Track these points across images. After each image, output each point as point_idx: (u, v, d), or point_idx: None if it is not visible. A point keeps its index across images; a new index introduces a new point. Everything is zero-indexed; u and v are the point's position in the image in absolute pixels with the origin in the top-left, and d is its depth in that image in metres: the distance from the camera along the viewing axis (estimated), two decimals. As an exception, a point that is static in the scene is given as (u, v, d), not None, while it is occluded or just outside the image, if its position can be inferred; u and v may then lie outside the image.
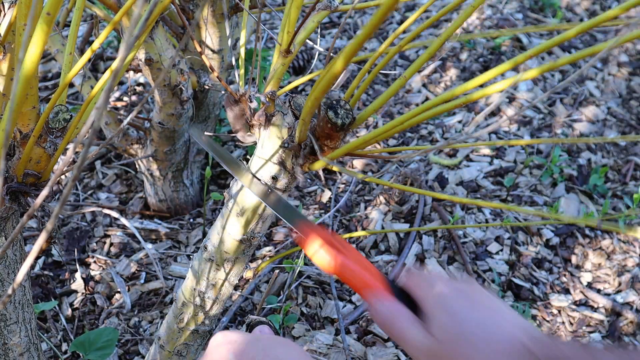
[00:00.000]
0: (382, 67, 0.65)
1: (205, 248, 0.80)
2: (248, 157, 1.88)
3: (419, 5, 2.62)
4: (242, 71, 0.76)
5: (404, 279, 0.64)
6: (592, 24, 0.50)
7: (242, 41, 0.80)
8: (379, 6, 0.51)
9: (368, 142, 0.61)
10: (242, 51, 0.79)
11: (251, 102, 0.67)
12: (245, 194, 0.72)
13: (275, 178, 0.69)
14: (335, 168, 0.66)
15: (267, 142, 0.68)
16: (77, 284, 1.55)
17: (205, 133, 0.81)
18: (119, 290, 1.54)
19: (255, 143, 0.72)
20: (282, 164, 0.67)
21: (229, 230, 0.75)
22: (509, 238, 1.70)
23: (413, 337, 0.59)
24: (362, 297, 0.64)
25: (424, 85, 2.27)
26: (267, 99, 0.66)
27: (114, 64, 0.71)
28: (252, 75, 0.79)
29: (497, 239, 1.69)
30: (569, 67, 2.37)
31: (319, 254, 0.64)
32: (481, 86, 0.55)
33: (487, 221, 1.75)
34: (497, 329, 0.56)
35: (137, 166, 1.75)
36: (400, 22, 2.56)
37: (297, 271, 1.53)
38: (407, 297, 0.62)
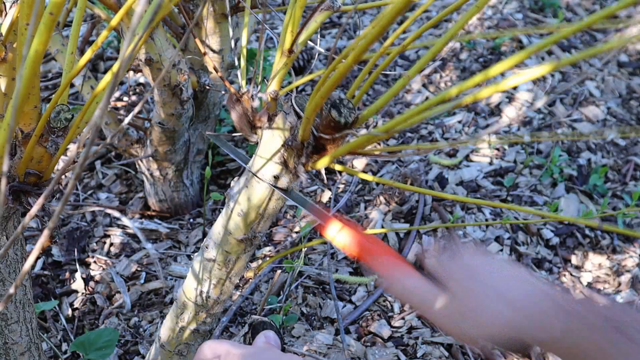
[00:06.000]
0: (384, 68, 0.65)
1: (206, 247, 0.80)
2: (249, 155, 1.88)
3: (419, 7, 2.62)
4: (243, 70, 0.76)
5: (426, 259, 0.65)
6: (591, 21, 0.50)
7: (243, 41, 0.81)
8: (380, 7, 0.51)
9: (371, 141, 0.62)
10: (244, 50, 0.79)
11: (253, 100, 0.67)
12: (248, 192, 0.72)
13: (277, 177, 0.69)
14: (337, 167, 0.66)
15: (270, 141, 0.68)
16: (77, 284, 1.55)
17: (207, 133, 0.81)
18: (119, 290, 1.54)
19: (257, 142, 0.72)
20: (284, 163, 0.67)
21: (230, 229, 0.75)
22: (509, 238, 1.70)
23: (437, 302, 0.59)
24: (381, 275, 0.66)
25: (424, 85, 2.27)
26: (269, 98, 0.66)
27: (115, 65, 0.71)
28: (252, 75, 0.79)
29: (497, 239, 1.70)
30: (568, 67, 2.37)
31: (340, 236, 0.66)
32: (478, 86, 0.55)
33: (487, 221, 1.75)
34: (520, 281, 0.57)
35: (137, 166, 1.75)
36: (401, 23, 2.56)
37: (297, 271, 1.53)
38: (428, 274, 0.64)
